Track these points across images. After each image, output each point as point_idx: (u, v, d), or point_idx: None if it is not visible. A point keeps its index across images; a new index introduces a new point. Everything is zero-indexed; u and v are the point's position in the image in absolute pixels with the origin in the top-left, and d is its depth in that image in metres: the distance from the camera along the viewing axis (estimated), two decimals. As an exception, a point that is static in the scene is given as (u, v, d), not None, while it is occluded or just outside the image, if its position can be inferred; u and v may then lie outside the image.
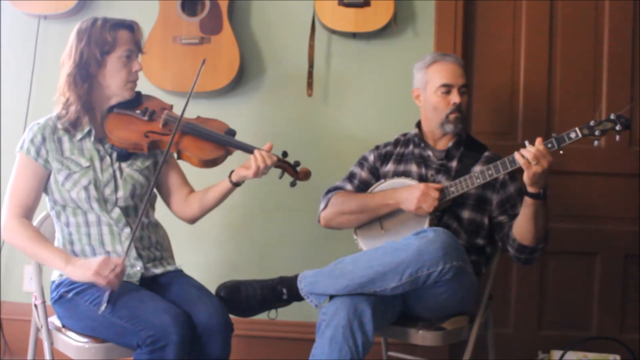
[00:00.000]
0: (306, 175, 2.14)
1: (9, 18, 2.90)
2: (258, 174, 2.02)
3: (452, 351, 2.73)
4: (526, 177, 1.95)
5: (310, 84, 2.77)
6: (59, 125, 2.00)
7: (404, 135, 2.38)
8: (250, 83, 2.83)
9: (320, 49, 2.78)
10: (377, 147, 2.38)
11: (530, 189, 1.98)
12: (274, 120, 2.83)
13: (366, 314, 1.89)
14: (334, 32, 2.73)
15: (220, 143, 2.07)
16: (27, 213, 1.95)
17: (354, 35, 2.73)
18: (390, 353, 2.61)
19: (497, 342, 2.41)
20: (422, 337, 2.07)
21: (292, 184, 2.13)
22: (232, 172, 2.09)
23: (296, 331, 2.78)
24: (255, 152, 2.03)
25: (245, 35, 2.81)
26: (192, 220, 2.19)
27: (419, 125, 2.35)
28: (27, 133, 1.99)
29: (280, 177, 2.12)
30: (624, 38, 2.75)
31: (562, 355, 2.23)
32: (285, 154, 2.10)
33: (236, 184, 2.08)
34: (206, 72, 2.65)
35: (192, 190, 2.20)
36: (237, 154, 2.12)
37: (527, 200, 2.00)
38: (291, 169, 2.11)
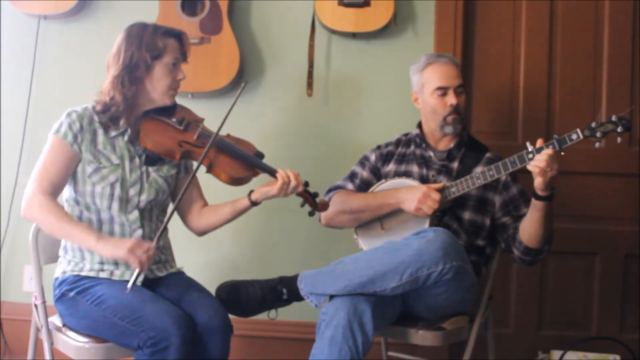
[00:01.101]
0: (324, 206, 2.15)
1: (9, 18, 2.90)
2: (282, 190, 2.03)
3: (452, 351, 2.73)
4: (540, 183, 1.94)
5: (310, 84, 2.77)
6: (96, 118, 2.01)
7: (405, 135, 2.38)
8: (250, 83, 2.83)
9: (320, 49, 2.78)
10: (379, 147, 2.38)
11: (542, 193, 1.97)
12: (274, 120, 2.83)
13: (366, 314, 1.89)
14: (334, 32, 2.73)
15: (250, 164, 2.10)
16: (54, 191, 1.93)
17: (354, 35, 2.73)
18: (390, 353, 2.61)
19: (497, 342, 2.41)
20: (422, 337, 2.07)
21: (311, 214, 2.14)
22: (251, 191, 2.10)
23: (296, 331, 2.78)
24: (280, 170, 2.05)
25: (245, 35, 2.81)
26: (202, 233, 2.21)
27: (420, 125, 2.35)
28: (65, 118, 1.98)
29: (302, 206, 2.13)
30: (624, 38, 2.75)
31: (562, 355, 2.23)
32: (307, 184, 2.12)
33: (254, 203, 2.09)
34: (206, 72, 2.67)
35: (206, 204, 2.21)
36: (258, 177, 2.13)
37: (537, 204, 1.99)
38: (312, 199, 2.13)
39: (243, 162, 2.09)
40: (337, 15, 2.66)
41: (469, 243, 2.18)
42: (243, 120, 2.76)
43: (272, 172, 2.08)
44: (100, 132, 2.01)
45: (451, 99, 2.20)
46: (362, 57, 2.78)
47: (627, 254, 2.77)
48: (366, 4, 2.64)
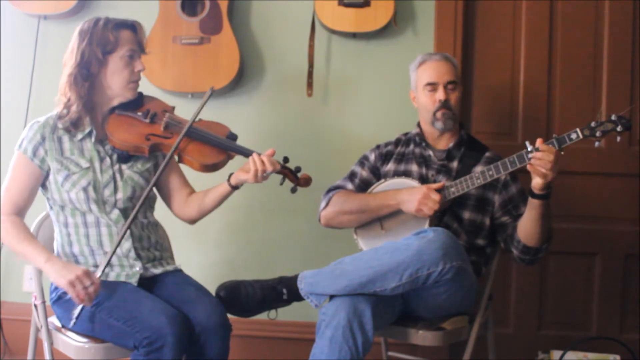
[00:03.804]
0: (307, 181, 2.13)
1: (9, 18, 2.90)
2: (257, 178, 2.00)
3: (452, 351, 2.73)
4: (540, 184, 1.94)
5: (310, 84, 2.77)
6: (60, 125, 1.99)
7: (405, 134, 2.38)
8: (250, 83, 2.83)
9: (320, 49, 2.78)
10: (378, 147, 2.38)
11: (539, 192, 1.97)
12: (274, 120, 2.83)
13: (366, 314, 1.89)
14: (334, 32, 2.73)
15: (221, 148, 2.07)
16: (19, 212, 1.95)
17: (354, 35, 2.73)
18: (390, 353, 2.61)
19: (497, 342, 2.41)
20: (422, 337, 2.07)
21: (293, 190, 2.12)
22: (231, 174, 2.08)
23: (296, 331, 2.78)
24: (254, 155, 2.01)
25: (245, 35, 2.81)
26: (192, 221, 2.19)
27: (420, 124, 2.35)
28: (27, 132, 1.98)
29: (281, 184, 2.11)
30: (624, 38, 2.75)
31: (562, 355, 2.23)
32: (286, 159, 2.10)
33: (235, 187, 2.07)
34: (206, 72, 2.67)
35: (192, 191, 2.19)
36: (239, 157, 2.11)
37: (535, 202, 1.99)
38: (292, 175, 2.10)
39: (214, 146, 2.06)
40: (337, 15, 2.66)
41: (469, 243, 2.18)
42: (243, 120, 2.76)
43: (248, 154, 2.03)
44: (65, 138, 1.99)
45: (440, 95, 2.20)
46: (362, 57, 2.78)
47: (627, 254, 2.77)
48: (366, 4, 2.64)
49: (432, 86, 2.22)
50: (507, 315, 2.83)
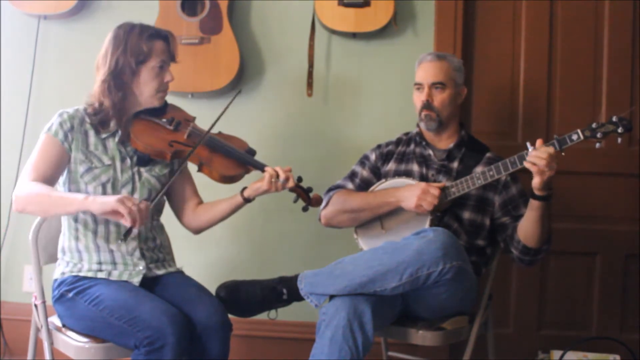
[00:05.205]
0: (318, 201, 2.18)
1: (9, 18, 2.90)
2: (271, 185, 2.04)
3: (452, 351, 2.73)
4: (538, 183, 1.94)
5: (310, 84, 2.77)
6: (87, 119, 2.02)
7: (406, 134, 2.39)
8: (250, 83, 2.83)
9: (320, 49, 2.78)
10: (379, 146, 2.38)
11: (539, 193, 1.97)
12: (274, 120, 2.83)
13: (366, 314, 1.89)
14: (334, 32, 2.73)
15: (241, 161, 2.11)
16: (45, 182, 1.91)
17: (354, 35, 2.73)
18: (390, 353, 2.61)
19: (497, 342, 2.41)
20: (422, 337, 2.07)
21: (305, 209, 2.16)
22: (244, 188, 2.11)
23: (296, 331, 2.78)
24: (268, 168, 2.06)
25: (245, 35, 2.81)
26: (198, 231, 2.21)
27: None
28: (56, 118, 1.99)
29: (295, 201, 2.15)
30: (624, 38, 2.75)
31: (562, 355, 2.23)
32: (300, 179, 2.13)
33: (247, 200, 2.10)
34: (206, 72, 2.67)
35: (201, 202, 2.22)
36: (251, 174, 2.14)
37: (535, 204, 1.99)
38: (304, 194, 2.14)
39: (235, 159, 2.10)
40: (337, 15, 2.66)
41: (470, 243, 2.18)
42: (243, 121, 2.76)
43: (263, 169, 2.09)
44: (91, 133, 2.02)
45: (422, 95, 2.23)
46: (362, 57, 2.78)
47: (627, 254, 2.77)
48: (366, 4, 2.64)
49: (419, 86, 2.26)
50: (507, 315, 2.83)
